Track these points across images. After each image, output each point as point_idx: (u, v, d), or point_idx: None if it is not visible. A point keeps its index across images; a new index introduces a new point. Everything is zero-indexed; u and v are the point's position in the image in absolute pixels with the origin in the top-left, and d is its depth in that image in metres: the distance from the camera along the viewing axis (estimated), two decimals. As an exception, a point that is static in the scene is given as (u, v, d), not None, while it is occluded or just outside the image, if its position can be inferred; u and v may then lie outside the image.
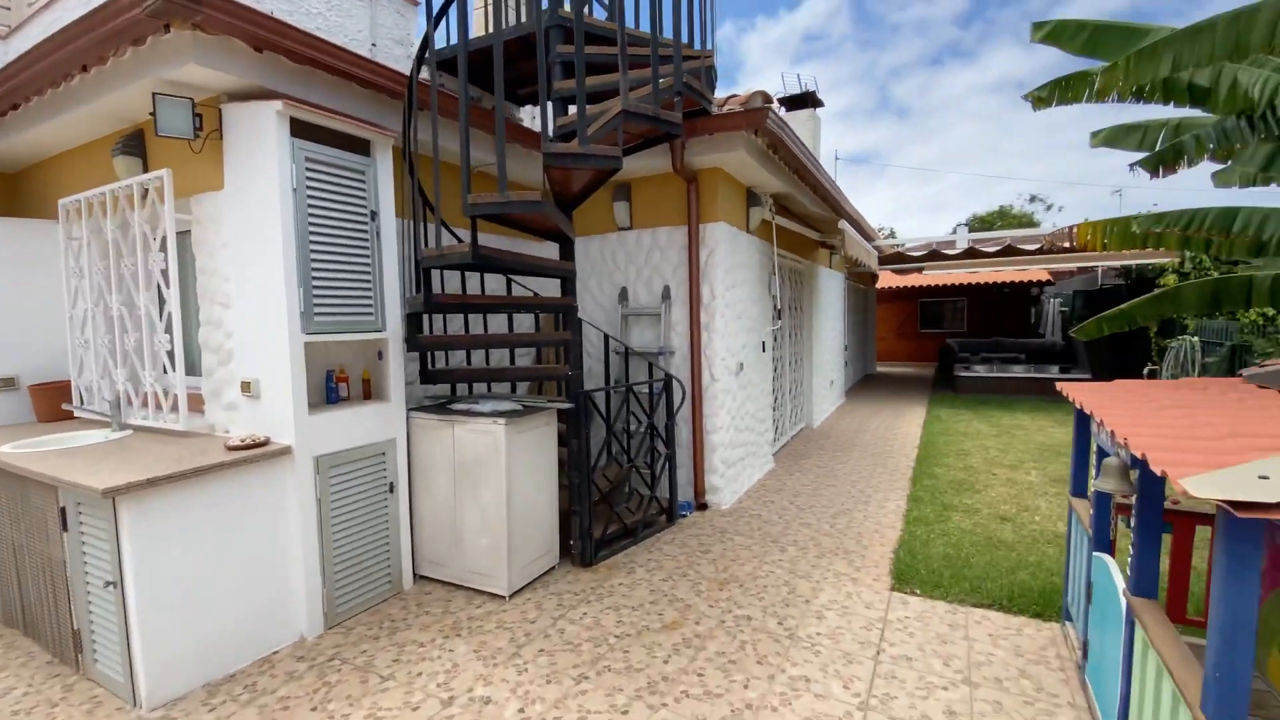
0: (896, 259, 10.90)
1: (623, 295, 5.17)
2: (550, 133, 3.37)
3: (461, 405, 3.66)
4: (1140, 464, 1.87)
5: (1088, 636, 2.57)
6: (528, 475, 3.58)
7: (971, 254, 10.36)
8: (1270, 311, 8.33)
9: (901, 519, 4.65)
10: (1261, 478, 1.30)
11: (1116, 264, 11.72)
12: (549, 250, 5.04)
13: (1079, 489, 2.95)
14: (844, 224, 5.42)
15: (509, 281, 4.42)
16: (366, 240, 3.30)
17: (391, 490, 3.50)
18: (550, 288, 4.93)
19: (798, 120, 9.41)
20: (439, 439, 3.56)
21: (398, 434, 3.53)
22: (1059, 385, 2.97)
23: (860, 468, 6.24)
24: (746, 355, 5.42)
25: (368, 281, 3.32)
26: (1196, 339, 8.05)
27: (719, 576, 3.69)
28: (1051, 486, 5.45)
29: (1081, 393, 2.66)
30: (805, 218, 6.90)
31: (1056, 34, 4.90)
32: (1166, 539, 2.85)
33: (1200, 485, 1.28)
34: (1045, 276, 17.57)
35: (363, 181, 3.28)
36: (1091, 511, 2.64)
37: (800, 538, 4.29)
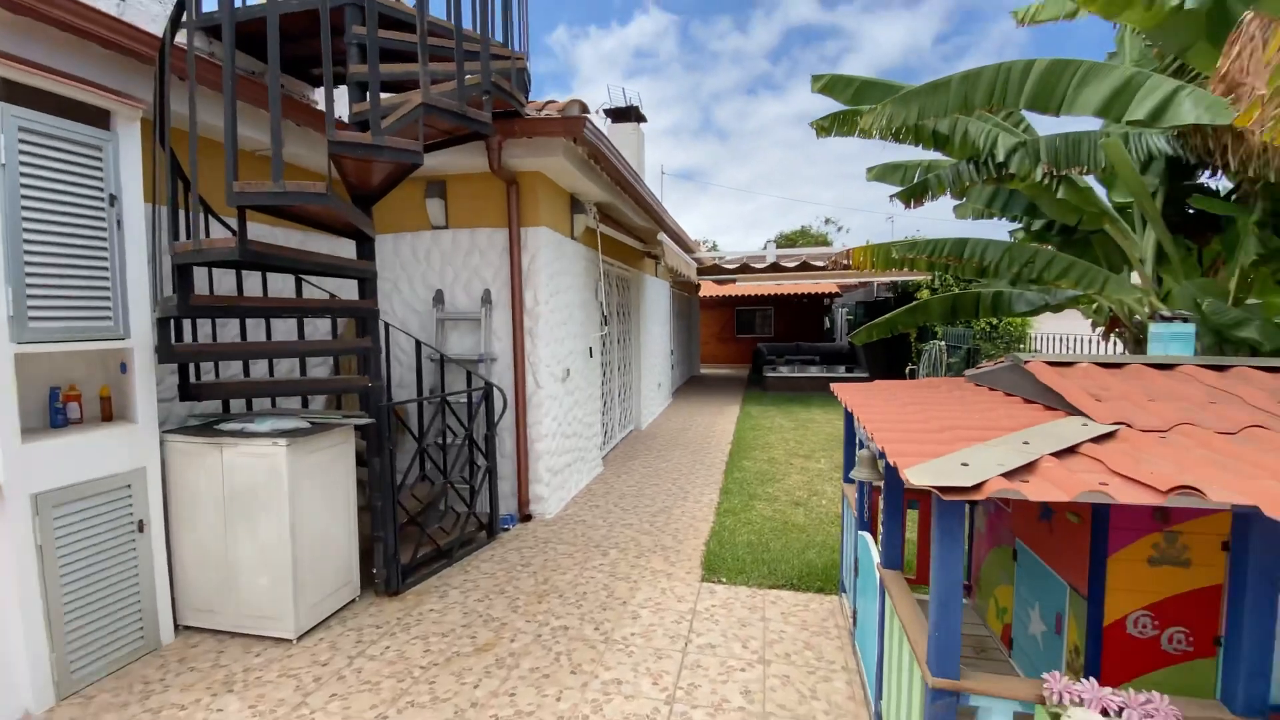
0: (713, 270, 11.75)
1: (439, 298, 4.88)
2: (346, 119, 3.06)
3: (233, 425, 3.16)
4: (883, 455, 2.17)
5: (856, 606, 2.95)
6: (318, 501, 3.20)
7: (775, 268, 11.53)
8: (995, 320, 10.35)
9: (714, 511, 4.98)
10: (963, 464, 1.57)
11: (886, 280, 13.77)
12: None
13: (850, 477, 3.38)
14: (663, 236, 5.70)
15: (299, 282, 3.93)
16: (103, 229, 2.71)
17: (141, 529, 2.90)
18: (353, 289, 4.49)
19: (622, 133, 9.73)
20: (204, 465, 3.03)
21: (148, 461, 2.94)
22: (832, 386, 3.38)
23: (681, 465, 6.58)
24: (573, 361, 5.43)
25: (104, 279, 2.72)
26: (943, 343, 9.77)
27: (538, 589, 3.62)
28: (837, 473, 6.22)
29: (847, 393, 3.04)
30: (630, 228, 7.13)
31: (830, 87, 5.62)
32: (918, 514, 3.37)
33: (917, 474, 1.51)
34: (835, 289, 20.19)
35: (99, 159, 2.69)
36: (855, 496, 3.04)
37: (622, 539, 4.38)
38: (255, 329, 3.97)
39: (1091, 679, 1.52)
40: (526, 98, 4.08)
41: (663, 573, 3.83)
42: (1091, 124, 5.38)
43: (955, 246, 5.37)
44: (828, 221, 43.73)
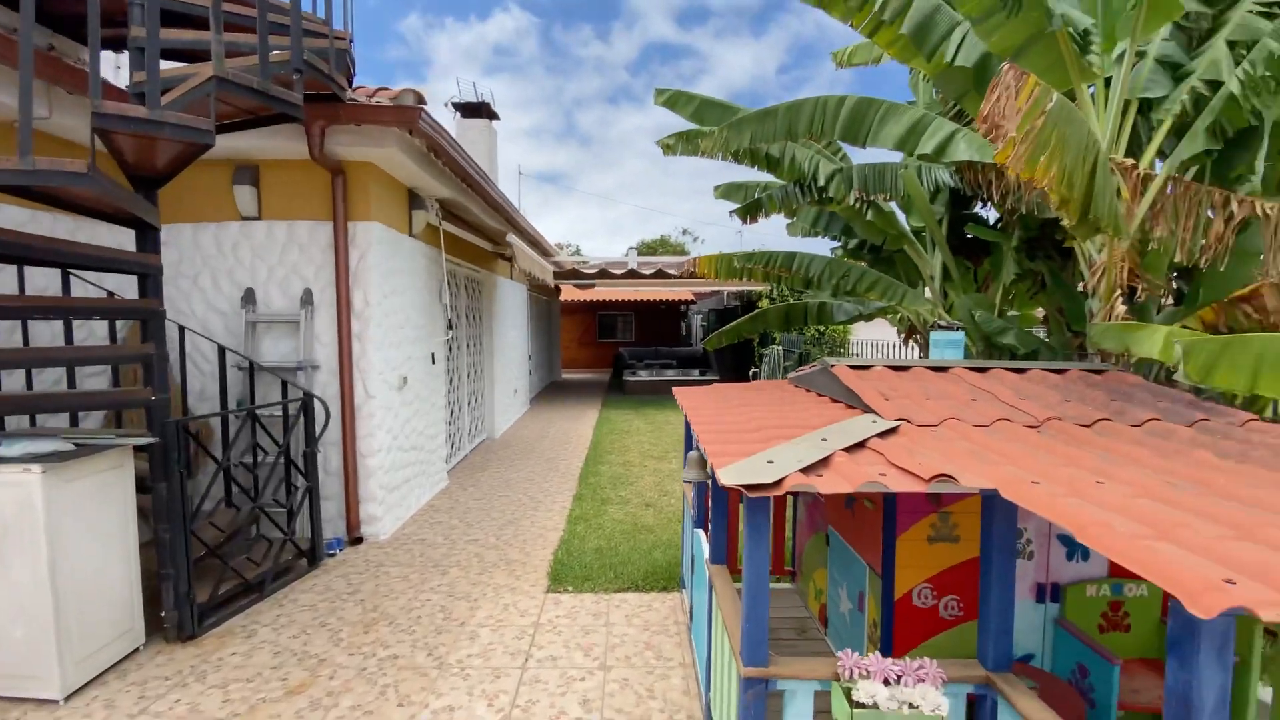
0: (571, 274, 11.73)
1: (249, 298, 4.31)
2: (125, 89, 2.58)
3: (-46, 451, 2.52)
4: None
5: (692, 601, 3.05)
6: (86, 537, 2.66)
7: (632, 275, 11.79)
8: (822, 328, 11.40)
9: (565, 519, 4.92)
10: (769, 462, 1.67)
11: (734, 290, 14.68)
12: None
13: (684, 478, 3.50)
14: (512, 237, 5.53)
15: (66, 277, 3.26)
16: None
17: None
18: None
19: (473, 129, 9.36)
20: (-99, 505, 2.38)
21: None
22: (674, 391, 3.48)
23: (535, 474, 6.44)
24: (412, 368, 5.08)
25: None
26: (781, 348, 10.60)
27: (366, 618, 3.31)
28: (686, 473, 6.46)
29: (685, 397, 3.15)
30: (479, 228, 6.86)
31: (672, 101, 5.86)
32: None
33: (727, 474, 1.57)
34: (691, 297, 21.16)
35: None
36: (693, 495, 3.16)
37: (464, 556, 4.16)
38: (11, 332, 3.22)
39: (877, 653, 1.68)
40: (350, 82, 3.75)
41: (506, 587, 3.69)
42: (896, 156, 6.17)
43: (786, 259, 5.81)
44: (685, 232, 45.82)
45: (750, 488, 1.51)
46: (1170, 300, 4.35)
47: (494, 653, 2.96)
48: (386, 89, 4.05)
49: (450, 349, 6.67)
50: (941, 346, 3.04)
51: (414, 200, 5.09)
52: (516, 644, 3.04)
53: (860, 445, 1.88)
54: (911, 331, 6.23)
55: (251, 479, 3.88)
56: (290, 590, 3.66)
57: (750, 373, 10.79)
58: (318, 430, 4.00)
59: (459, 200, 5.60)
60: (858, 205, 5.40)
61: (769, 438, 2.06)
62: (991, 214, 6.16)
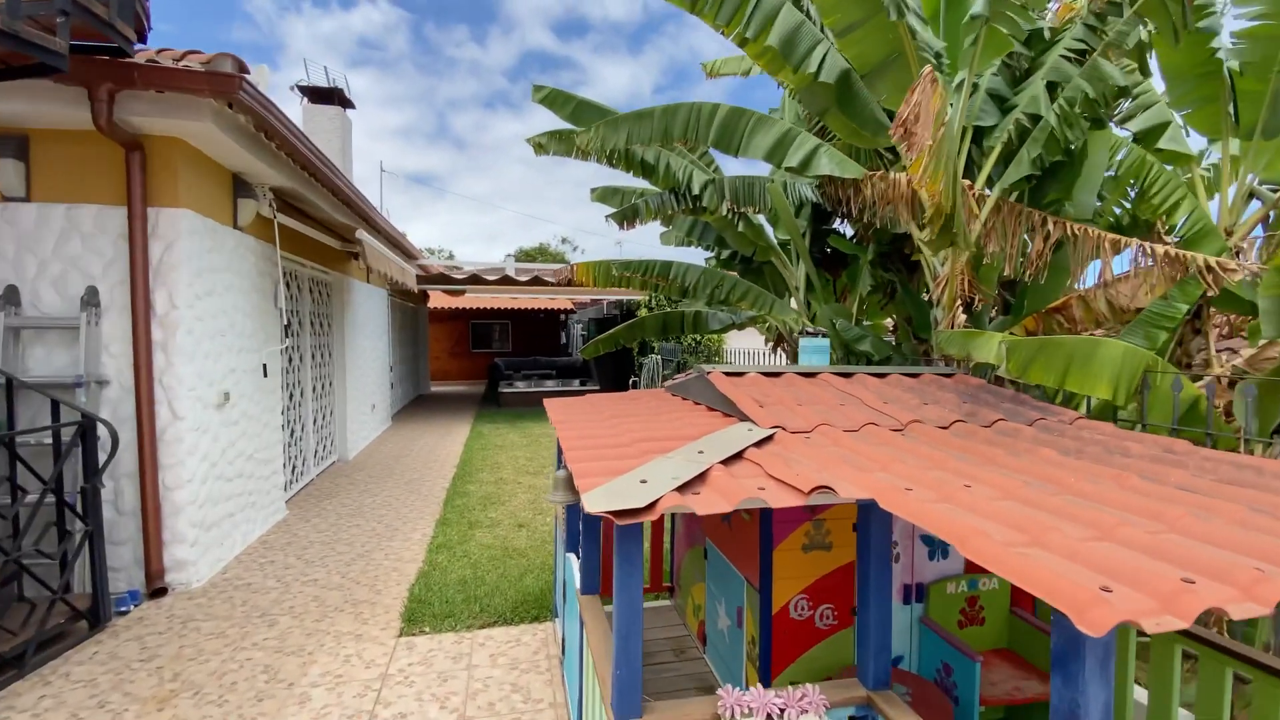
0: (440, 279, 11.02)
1: (10, 298, 3.42)
2: None
3: None
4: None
5: (565, 632, 2.80)
6: None
7: (506, 281, 11.32)
8: (698, 336, 11.67)
9: (426, 549, 4.44)
10: (642, 481, 1.48)
11: (613, 299, 14.67)
12: None
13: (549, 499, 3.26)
14: (363, 233, 4.93)
15: None
16: None
17: None
18: None
19: (322, 116, 8.45)
20: None
21: None
22: (545, 403, 3.22)
23: (393, 498, 5.82)
24: (238, 382, 4.35)
25: None
26: (659, 357, 10.68)
27: (162, 691, 2.68)
28: (563, 488, 6.18)
29: (556, 410, 2.91)
30: (327, 224, 6.13)
31: (550, 100, 5.64)
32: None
33: (595, 500, 1.36)
34: (570, 306, 20.90)
35: None
36: (562, 514, 2.92)
37: (300, 601, 3.57)
38: None
39: (759, 686, 1.55)
40: (144, 37, 3.10)
41: (350, 634, 3.19)
42: (765, 169, 6.40)
43: (663, 268, 5.78)
44: (564, 241, 45.47)
45: (621, 514, 1.31)
46: (997, 311, 4.83)
47: (329, 716, 2.50)
48: (198, 52, 3.42)
49: (290, 360, 5.87)
50: (810, 352, 3.08)
51: (240, 187, 4.38)
52: (357, 703, 2.59)
53: (738, 456, 1.76)
54: (779, 340, 6.47)
55: (9, 525, 3.04)
56: (63, 662, 2.89)
57: (630, 381, 10.75)
58: (102, 460, 3.24)
59: (300, 191, 4.93)
60: (729, 216, 5.49)
61: (644, 451, 1.89)
62: (847, 230, 6.59)
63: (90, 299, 3.51)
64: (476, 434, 9.50)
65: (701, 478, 1.55)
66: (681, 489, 1.45)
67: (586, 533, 2.17)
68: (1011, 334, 3.93)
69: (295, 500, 5.67)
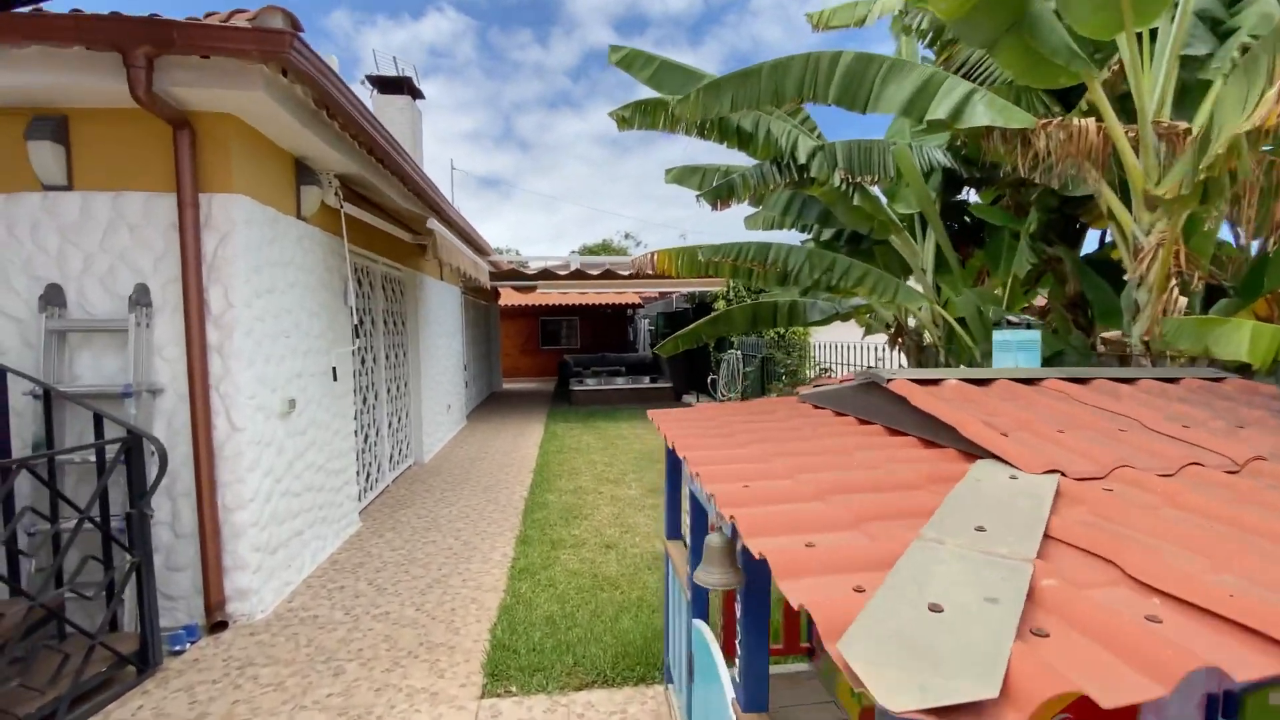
0: (511, 275, 10.66)
1: (53, 298, 3.11)
2: None
3: None
4: (748, 554, 1.36)
5: (691, 713, 2.15)
6: None
7: (579, 275, 10.84)
8: (783, 330, 10.80)
9: (507, 573, 3.92)
10: (933, 610, 0.80)
11: (685, 290, 13.96)
12: None
13: (674, 531, 2.61)
14: (434, 223, 4.49)
15: None
16: None
17: None
18: None
19: (391, 107, 8.18)
20: None
21: None
22: (652, 416, 2.58)
23: (470, 508, 5.38)
24: (304, 388, 3.96)
25: None
26: (739, 353, 9.89)
27: (205, 768, 2.23)
28: (649, 499, 5.56)
29: (670, 425, 2.25)
30: (397, 215, 5.74)
31: (629, 61, 4.99)
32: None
33: (887, 688, 0.68)
34: (638, 300, 20.35)
35: None
36: (684, 566, 2.26)
37: (370, 641, 3.10)
38: None
39: None
40: (182, -16, 2.66)
41: (425, 692, 2.67)
42: (880, 133, 5.50)
43: (759, 250, 5.04)
44: (627, 236, 45.05)
45: (946, 712, 0.63)
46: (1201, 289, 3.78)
47: (398, 824, 1.96)
48: (245, 11, 2.97)
49: (362, 361, 5.53)
50: (1011, 350, 2.28)
51: (303, 173, 3.98)
52: (433, 805, 2.04)
53: (1046, 538, 1.04)
54: (898, 332, 5.57)
55: (55, 556, 2.71)
56: (104, 717, 2.52)
57: (708, 380, 10.04)
58: (151, 480, 2.86)
59: (367, 178, 4.50)
60: (842, 187, 4.66)
61: (856, 515, 1.20)
62: (971, 199, 5.60)
63: (140, 298, 3.16)
64: (551, 435, 9.06)
65: (1032, 598, 0.84)
66: (1025, 635, 0.75)
67: (751, 627, 1.49)
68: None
69: (370, 510, 5.33)
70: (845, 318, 6.44)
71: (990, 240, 4.85)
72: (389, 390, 6.35)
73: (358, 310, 5.32)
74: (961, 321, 4.85)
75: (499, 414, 11.41)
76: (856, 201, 4.70)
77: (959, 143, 4.67)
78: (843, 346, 9.04)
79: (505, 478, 6.49)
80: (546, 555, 4.20)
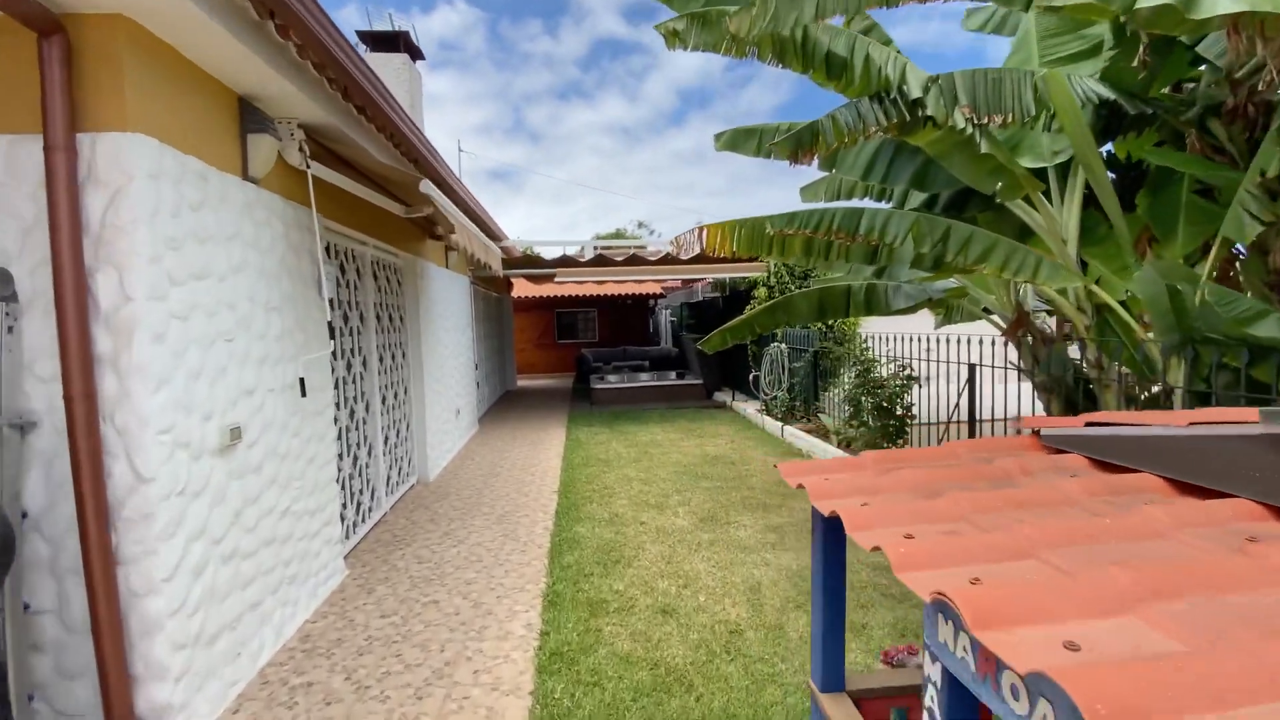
0: (526, 263, 9.63)
1: None
2: None
3: None
4: None
5: None
6: None
7: (601, 261, 9.78)
8: (830, 321, 9.64)
9: (533, 661, 2.89)
10: None
11: (713, 277, 12.84)
12: None
13: (832, 681, 1.55)
14: (429, 187, 3.44)
15: None
16: None
17: None
18: None
19: (388, 67, 7.12)
20: None
21: None
22: (782, 469, 1.52)
23: (483, 546, 4.36)
24: (257, 409, 2.94)
25: None
26: (784, 346, 8.78)
27: None
28: (703, 532, 4.51)
29: (825, 492, 1.20)
30: (388, 184, 4.69)
31: None
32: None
33: None
34: (659, 290, 19.24)
35: None
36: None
37: (336, 798, 2.08)
38: None
39: None
40: None
41: None
42: (998, 64, 4.35)
43: (847, 218, 3.96)
44: (641, 225, 43.77)
45: None
46: None
47: None
48: None
49: (348, 367, 4.50)
50: None
51: (250, 116, 2.93)
52: None
53: None
54: (1017, 323, 4.44)
55: None
56: None
57: (750, 378, 8.94)
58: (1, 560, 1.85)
59: (345, 132, 3.46)
60: (965, 131, 3.53)
61: None
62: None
63: (1, 289, 2.14)
64: (574, 442, 8.03)
65: None
66: None
67: None
68: None
69: (359, 552, 4.32)
70: (940, 305, 5.33)
71: (1156, 198, 3.71)
72: (384, 399, 5.33)
73: (340, 303, 4.29)
74: (1124, 305, 3.73)
75: (514, 416, 10.40)
76: (985, 148, 3.57)
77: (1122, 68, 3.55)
78: (899, 339, 7.88)
79: (524, 500, 5.46)
80: (584, 627, 3.16)
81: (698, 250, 4.82)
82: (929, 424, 6.06)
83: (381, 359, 5.26)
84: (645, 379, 13.54)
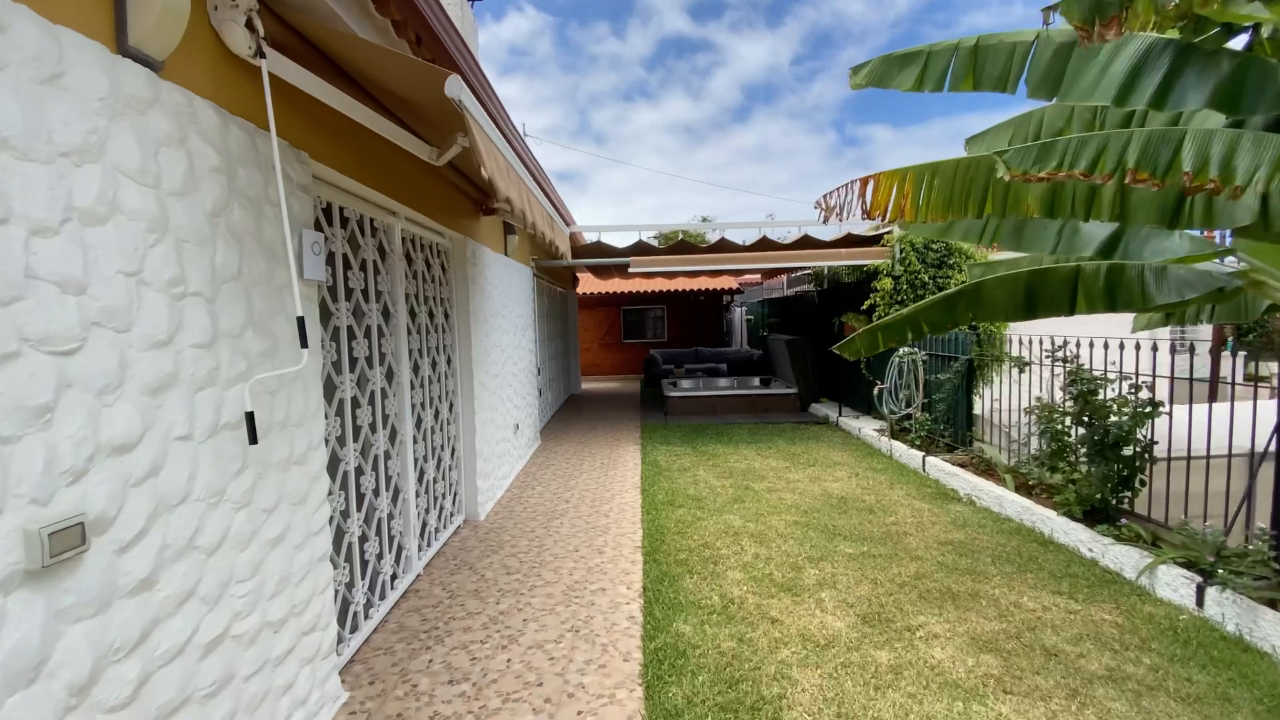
0: (597, 251, 8.27)
1: None
2: None
3: None
4: None
5: None
6: None
7: (682, 248, 8.29)
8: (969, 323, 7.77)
9: None
10: None
11: (815, 266, 11.13)
12: None
13: None
14: (457, 87, 2.13)
15: None
16: None
17: None
18: None
19: None
20: None
21: None
22: None
23: (543, 654, 2.95)
24: (138, 476, 1.63)
25: None
26: (920, 353, 6.99)
27: None
28: (875, 646, 2.93)
29: None
30: (405, 111, 3.34)
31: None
32: None
33: None
34: (735, 285, 17.57)
35: None
36: None
37: None
38: None
39: None
40: None
41: None
42: None
43: (1152, 143, 2.28)
44: (705, 219, 41.95)
45: None
46: None
47: None
48: None
49: (362, 383, 3.18)
50: None
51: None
52: None
53: None
54: None
55: None
56: None
57: (875, 392, 7.22)
58: None
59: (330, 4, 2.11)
60: None
61: None
62: None
63: None
64: (652, 466, 6.58)
65: None
66: None
67: None
68: None
69: (371, 651, 3.01)
70: (1231, 296, 3.54)
71: None
72: (420, 421, 4.03)
73: (350, 293, 2.98)
74: None
75: (580, 428, 9.07)
76: None
77: None
78: (1081, 344, 5.93)
79: (600, 561, 4.04)
80: None
81: (858, 213, 3.29)
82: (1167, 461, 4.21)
83: (418, 368, 3.96)
84: (725, 386, 11.94)
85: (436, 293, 4.40)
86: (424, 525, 4.03)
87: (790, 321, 13.14)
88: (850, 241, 8.04)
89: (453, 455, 4.69)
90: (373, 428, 3.30)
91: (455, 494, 4.71)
